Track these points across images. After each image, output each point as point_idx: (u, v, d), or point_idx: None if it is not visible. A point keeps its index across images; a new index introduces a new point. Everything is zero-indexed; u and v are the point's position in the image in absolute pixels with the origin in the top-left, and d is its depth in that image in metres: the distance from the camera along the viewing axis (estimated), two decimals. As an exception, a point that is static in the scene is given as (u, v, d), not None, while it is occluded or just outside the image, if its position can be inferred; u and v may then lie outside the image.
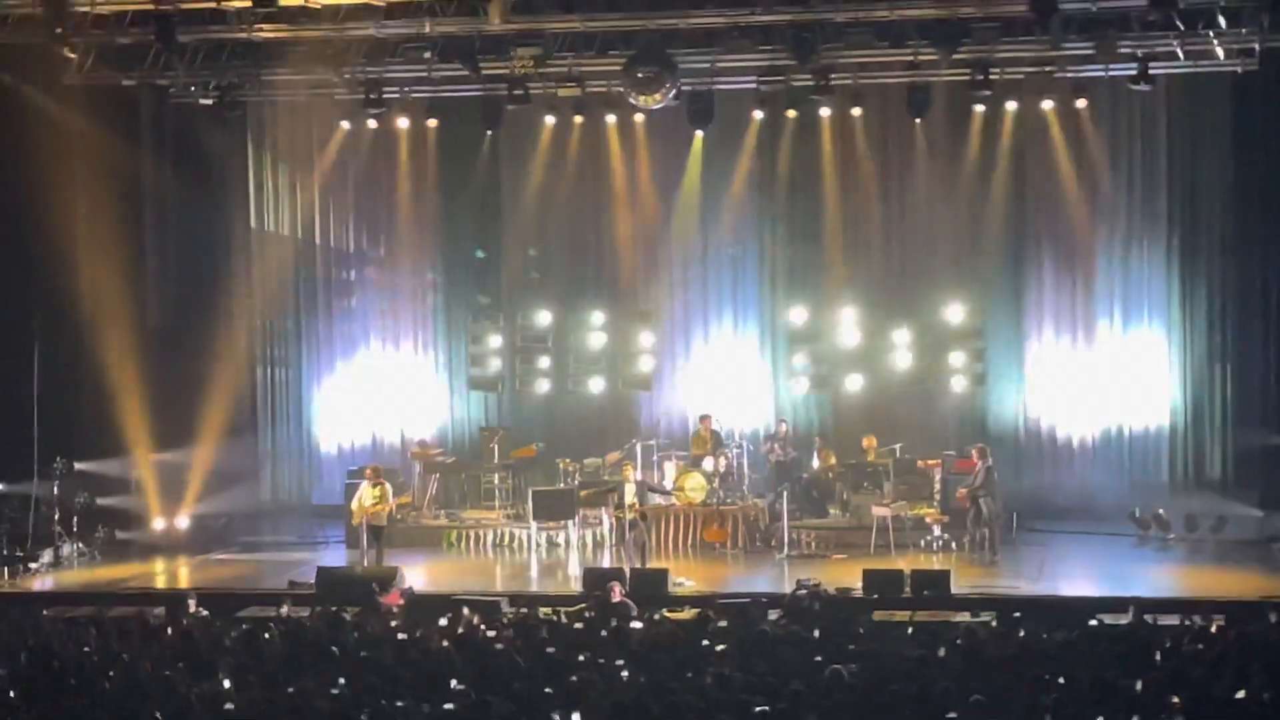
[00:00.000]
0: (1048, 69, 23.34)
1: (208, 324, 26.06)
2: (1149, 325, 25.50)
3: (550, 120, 25.67)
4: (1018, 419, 26.08)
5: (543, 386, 26.62)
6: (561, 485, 24.35)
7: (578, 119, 25.67)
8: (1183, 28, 21.74)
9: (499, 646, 15.02)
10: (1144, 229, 25.40)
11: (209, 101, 24.81)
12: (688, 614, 18.09)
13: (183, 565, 23.86)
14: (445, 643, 15.30)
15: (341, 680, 13.53)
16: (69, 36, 21.93)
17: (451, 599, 18.87)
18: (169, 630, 16.42)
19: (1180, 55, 22.44)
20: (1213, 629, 16.11)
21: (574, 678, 13.22)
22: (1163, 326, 25.40)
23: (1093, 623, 16.76)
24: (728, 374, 26.86)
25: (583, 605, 18.63)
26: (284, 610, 18.53)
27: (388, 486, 22.59)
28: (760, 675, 13.16)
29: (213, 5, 21.59)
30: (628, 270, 26.97)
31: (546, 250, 27.20)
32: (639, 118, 25.33)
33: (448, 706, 12.55)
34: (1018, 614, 17.19)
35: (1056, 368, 25.88)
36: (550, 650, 14.80)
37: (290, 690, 12.94)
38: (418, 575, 21.48)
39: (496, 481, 25.58)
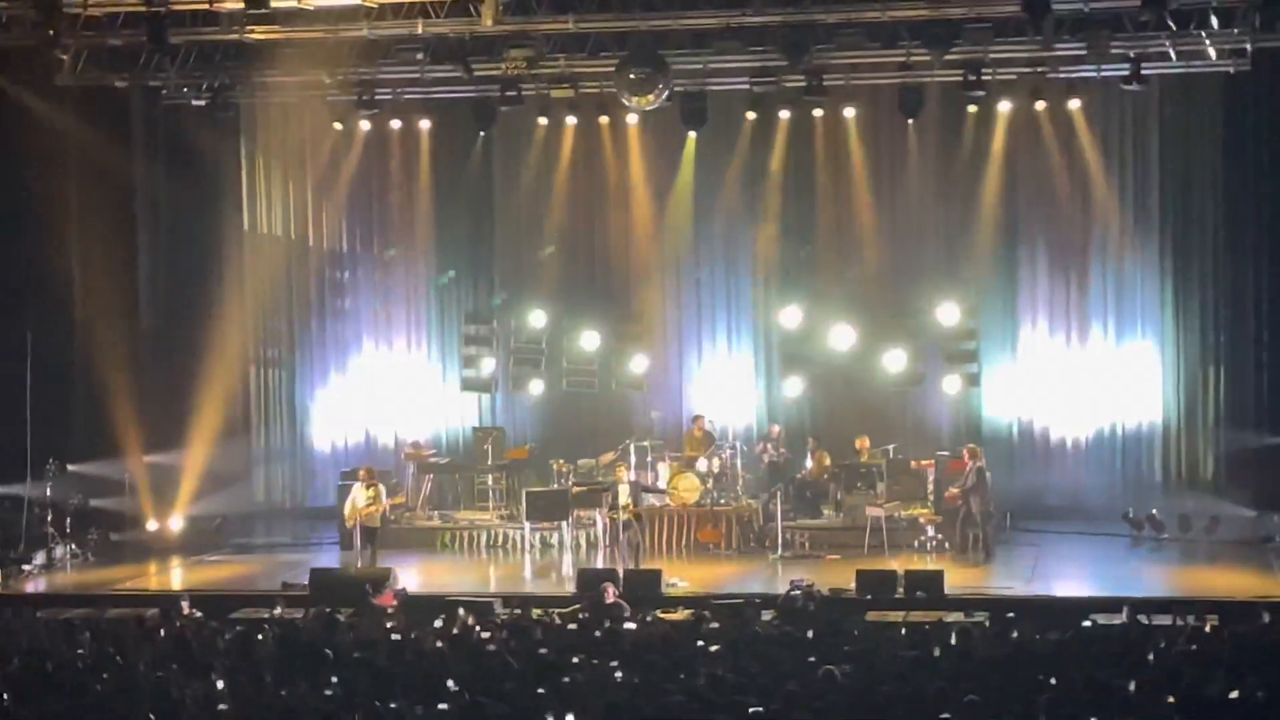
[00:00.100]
0: (1040, 69, 23.36)
1: (200, 325, 26.06)
2: (1141, 325, 25.53)
3: (543, 121, 25.68)
4: (1011, 419, 26.10)
5: (536, 387, 26.62)
6: (555, 486, 24.34)
7: (570, 120, 25.69)
8: (1175, 28, 21.76)
9: (492, 648, 15.01)
10: (1136, 229, 25.41)
11: (201, 103, 24.84)
12: (681, 615, 18.08)
13: (176, 567, 23.84)
14: (439, 644, 15.30)
15: (335, 681, 13.51)
16: (61, 38, 21.89)
17: (445, 600, 18.88)
18: (162, 632, 16.39)
19: (1172, 55, 22.47)
20: (1206, 629, 16.10)
21: (567, 679, 13.23)
22: (1155, 326, 25.43)
23: (1086, 623, 16.79)
24: (721, 374, 26.90)
25: (576, 606, 18.63)
26: (278, 612, 18.53)
27: (381, 488, 22.55)
28: (754, 676, 13.16)
29: (205, 7, 21.58)
30: (621, 271, 26.98)
31: (540, 251, 27.16)
32: (632, 119, 25.34)
33: (442, 707, 12.55)
34: (1011, 614, 17.19)
35: (1049, 368, 25.90)
36: (543, 651, 14.79)
37: (283, 692, 12.93)
38: (411, 576, 21.49)
39: (490, 482, 25.59)
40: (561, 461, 24.75)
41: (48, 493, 23.78)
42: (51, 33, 21.33)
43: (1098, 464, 25.78)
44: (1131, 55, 22.38)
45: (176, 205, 26.46)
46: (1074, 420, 25.87)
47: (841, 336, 25.22)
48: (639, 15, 21.90)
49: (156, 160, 26.18)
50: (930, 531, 23.04)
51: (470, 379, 26.75)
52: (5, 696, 13.17)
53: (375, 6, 21.67)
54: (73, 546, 23.77)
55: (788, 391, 26.14)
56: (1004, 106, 24.61)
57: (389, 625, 16.90)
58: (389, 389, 27.47)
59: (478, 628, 16.50)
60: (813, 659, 13.94)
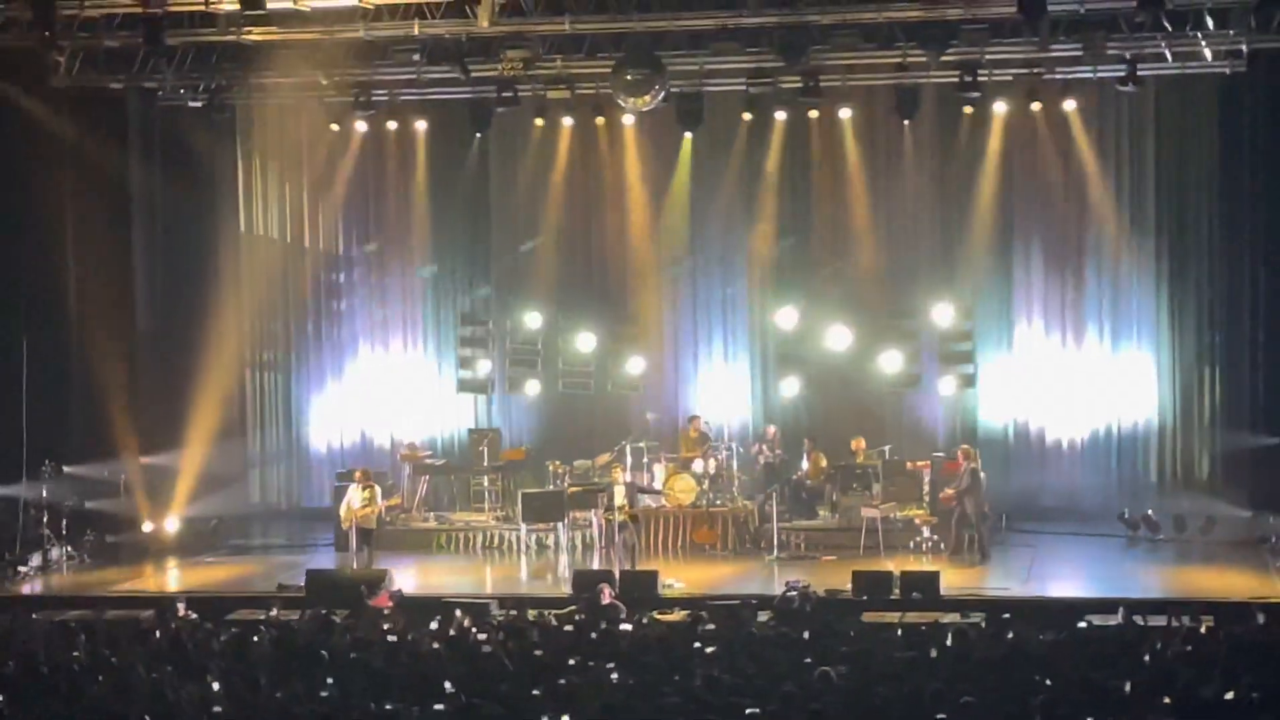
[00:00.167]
0: (1036, 71, 23.37)
1: (196, 326, 26.05)
2: (1137, 326, 25.51)
3: (539, 122, 25.68)
4: (1006, 420, 26.09)
5: (532, 388, 26.61)
6: (551, 487, 24.33)
7: (567, 121, 25.70)
8: (1170, 29, 21.78)
9: (488, 649, 15.01)
10: (1132, 230, 25.39)
11: (198, 104, 24.85)
12: (677, 616, 18.10)
13: (172, 568, 23.82)
14: (435, 645, 15.30)
15: (331, 682, 13.51)
16: (57, 39, 21.88)
17: (441, 601, 18.88)
18: (158, 634, 16.39)
19: (1168, 57, 22.48)
20: (1202, 630, 16.13)
21: (563, 680, 13.23)
22: (1151, 327, 25.42)
23: (1082, 624, 16.77)
24: (716, 375, 26.88)
25: (572, 607, 18.63)
26: (273, 613, 18.53)
27: (377, 489, 22.55)
28: (750, 677, 13.18)
29: (201, 8, 21.58)
30: (617, 272, 26.96)
31: (535, 252, 27.14)
32: (628, 120, 25.34)
33: (438, 708, 12.55)
34: (1007, 615, 17.21)
35: (1045, 369, 25.89)
36: (539, 653, 14.80)
37: (279, 694, 12.93)
38: (407, 578, 21.47)
39: (486, 484, 25.58)
40: (557, 463, 24.73)
41: (43, 494, 23.75)
42: (47, 34, 21.30)
43: (1093, 465, 25.78)
44: (1127, 56, 22.41)
45: (173, 207, 26.45)
46: (1070, 421, 25.86)
47: (837, 337, 25.21)
48: (635, 16, 21.88)
49: (153, 162, 26.17)
50: (926, 532, 23.04)
51: (466, 380, 26.73)
52: (1, 698, 13.17)
53: (371, 8, 21.66)
54: (68, 548, 23.74)
55: (783, 392, 26.12)
56: (1000, 108, 24.62)
57: (385, 627, 16.90)
58: (385, 390, 27.45)
59: (474, 629, 16.50)
60: (809, 660, 13.95)
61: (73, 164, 24.58)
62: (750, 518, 24.10)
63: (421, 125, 26.22)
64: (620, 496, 22.41)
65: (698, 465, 24.45)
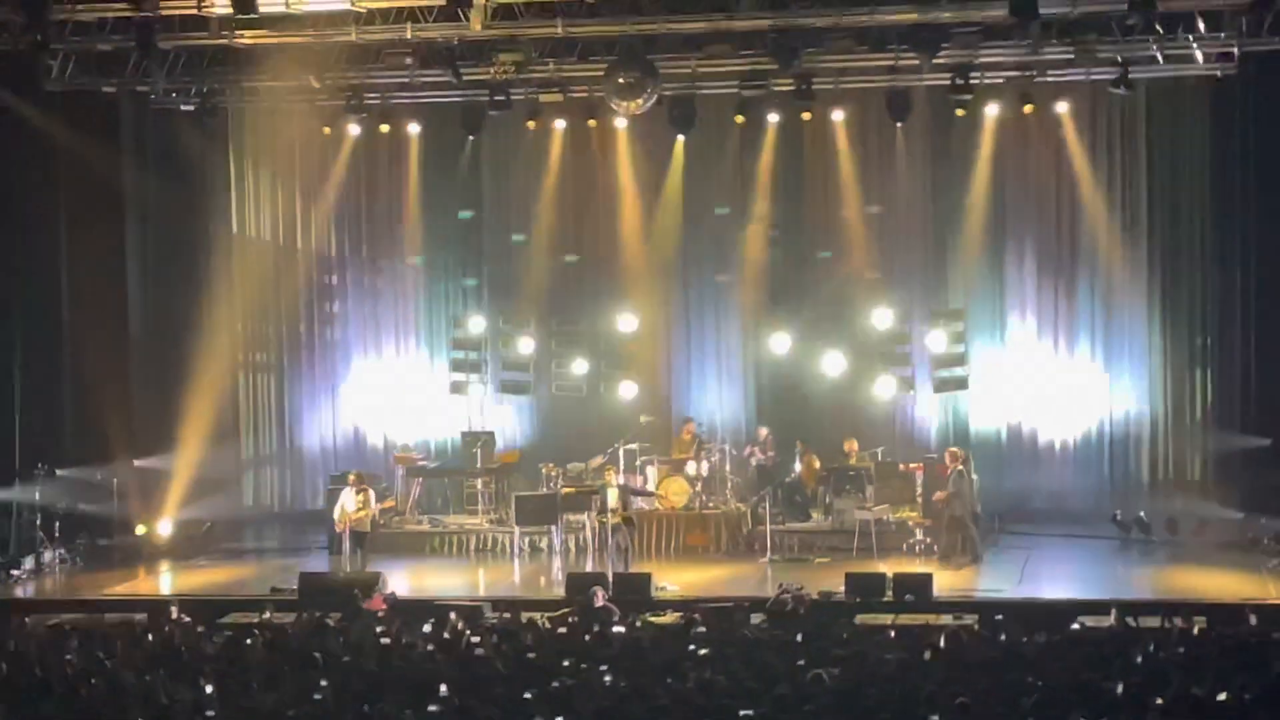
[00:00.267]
0: (1028, 73, 23.41)
1: (189, 329, 26.03)
2: (1129, 328, 25.56)
3: (532, 125, 25.66)
4: (999, 422, 26.11)
5: (525, 391, 26.61)
6: (544, 490, 24.34)
7: (559, 124, 25.71)
8: (1162, 32, 21.82)
9: (481, 652, 15.01)
10: (1124, 232, 25.42)
11: (190, 107, 24.87)
12: (670, 618, 18.13)
13: (165, 572, 23.81)
14: (428, 648, 15.30)
15: (324, 685, 13.50)
16: (49, 43, 21.87)
17: (434, 604, 18.88)
18: (151, 637, 16.38)
19: (1160, 59, 22.54)
20: (1194, 631, 16.15)
21: (557, 683, 13.23)
22: (1142, 329, 25.45)
23: (1074, 625, 16.81)
24: (710, 378, 26.89)
25: (566, 610, 18.63)
26: (267, 616, 18.52)
27: (371, 492, 22.56)
28: (743, 679, 13.17)
29: (193, 11, 21.56)
30: (610, 274, 26.95)
31: (528, 254, 27.12)
32: (620, 123, 25.34)
33: (432, 710, 12.55)
34: (1000, 617, 17.23)
35: (1037, 371, 25.92)
36: (533, 655, 14.81)
37: (272, 697, 12.92)
38: (401, 581, 21.48)
39: (479, 486, 25.55)
40: (551, 465, 24.76)
41: (37, 497, 23.74)
42: (39, 38, 21.33)
43: (1086, 467, 25.82)
44: (1119, 59, 22.44)
45: (165, 209, 26.41)
46: (1062, 423, 25.90)
47: (830, 339, 25.19)
48: (627, 19, 21.88)
49: (145, 165, 26.12)
50: (919, 534, 23.06)
51: (459, 383, 26.71)
52: (-7, 701, 13.18)
53: (364, 11, 21.66)
54: (62, 551, 23.73)
55: (776, 394, 26.13)
56: (992, 110, 24.67)
57: (378, 629, 16.89)
58: (378, 393, 27.44)
59: (467, 632, 16.49)
60: (802, 662, 13.96)
61: (65, 167, 24.54)
62: (743, 520, 24.09)
63: (414, 128, 26.21)
64: (614, 499, 22.43)
65: (691, 468, 24.47)
